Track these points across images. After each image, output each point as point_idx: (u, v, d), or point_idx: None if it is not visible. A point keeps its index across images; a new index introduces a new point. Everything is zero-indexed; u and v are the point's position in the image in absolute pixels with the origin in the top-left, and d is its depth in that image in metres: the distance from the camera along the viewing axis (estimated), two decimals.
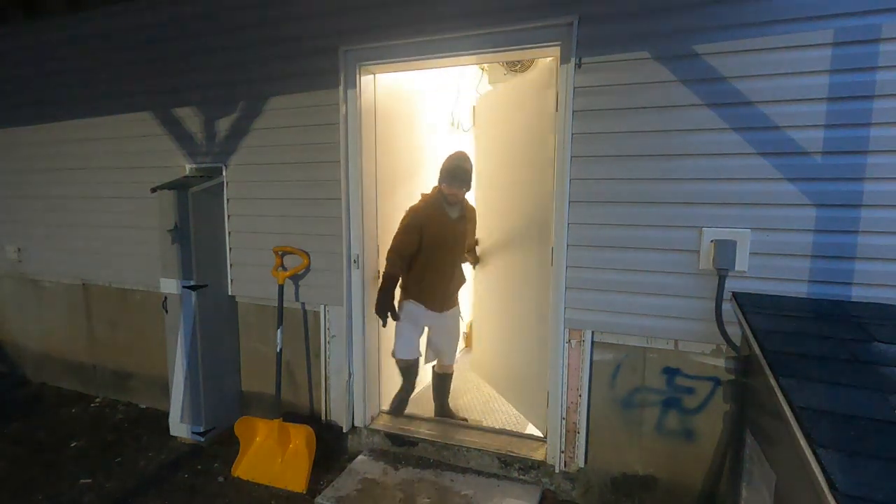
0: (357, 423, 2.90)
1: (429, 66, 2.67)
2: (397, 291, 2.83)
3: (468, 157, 2.78)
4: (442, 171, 2.72)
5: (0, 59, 3.73)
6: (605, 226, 2.27)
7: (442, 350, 2.98)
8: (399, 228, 2.75)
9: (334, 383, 2.94)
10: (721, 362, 2.15)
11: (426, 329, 2.95)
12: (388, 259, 2.71)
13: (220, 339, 3.12)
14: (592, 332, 2.36)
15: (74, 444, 3.11)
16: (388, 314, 2.69)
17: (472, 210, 3.04)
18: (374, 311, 2.72)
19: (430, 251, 2.73)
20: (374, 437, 2.88)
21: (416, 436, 2.79)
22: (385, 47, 2.58)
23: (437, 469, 2.66)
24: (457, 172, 2.69)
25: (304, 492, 2.55)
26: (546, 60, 2.53)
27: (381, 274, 2.76)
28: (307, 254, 2.86)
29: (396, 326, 2.88)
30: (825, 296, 1.96)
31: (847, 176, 1.91)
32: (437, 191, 2.76)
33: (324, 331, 2.92)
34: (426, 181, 3.07)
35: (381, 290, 2.68)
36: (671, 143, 2.12)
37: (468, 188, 2.77)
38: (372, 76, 2.78)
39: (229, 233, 3.11)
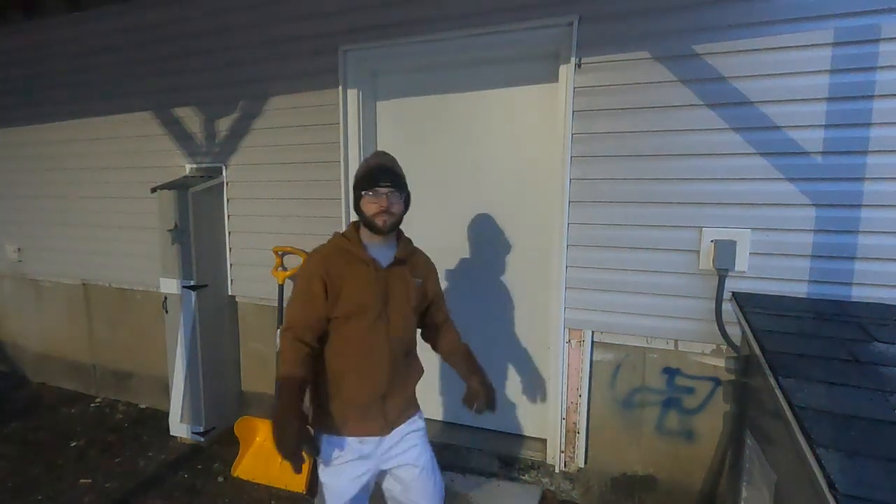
0: None
1: (429, 66, 2.67)
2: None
3: (393, 158, 1.68)
4: (357, 180, 1.61)
5: (0, 58, 3.73)
6: (604, 226, 2.27)
7: None
8: (294, 290, 1.62)
9: None
10: (721, 362, 2.15)
11: (369, 475, 1.61)
12: (281, 349, 1.53)
13: (220, 338, 3.12)
14: (592, 332, 2.36)
15: (74, 444, 3.11)
16: (299, 448, 1.39)
17: (425, 256, 1.78)
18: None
19: (349, 329, 1.55)
20: None
21: None
22: (385, 47, 2.58)
23: None
24: (381, 170, 1.58)
25: (305, 492, 2.55)
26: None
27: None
28: (307, 254, 2.86)
29: (321, 492, 1.62)
30: (825, 296, 1.96)
31: (847, 176, 1.91)
32: (352, 227, 1.67)
33: None
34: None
35: (278, 404, 1.44)
36: (671, 143, 2.13)
37: (404, 203, 1.64)
38: (372, 76, 2.78)
39: (229, 233, 3.11)
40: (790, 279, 2.01)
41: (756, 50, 1.97)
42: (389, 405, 1.62)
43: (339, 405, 1.59)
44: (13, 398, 3.81)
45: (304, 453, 1.42)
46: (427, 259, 1.79)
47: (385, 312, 1.59)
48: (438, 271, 1.87)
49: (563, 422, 2.44)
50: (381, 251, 1.63)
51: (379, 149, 2.81)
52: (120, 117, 3.34)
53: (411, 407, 1.72)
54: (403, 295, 1.63)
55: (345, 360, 1.59)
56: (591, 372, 2.39)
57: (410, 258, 1.70)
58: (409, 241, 1.75)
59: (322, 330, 1.56)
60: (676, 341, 2.23)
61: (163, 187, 2.89)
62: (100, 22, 3.28)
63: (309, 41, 2.72)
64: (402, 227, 1.71)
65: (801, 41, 1.91)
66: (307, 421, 1.48)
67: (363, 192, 1.58)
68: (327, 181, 2.78)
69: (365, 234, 1.63)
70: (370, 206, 1.56)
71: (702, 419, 2.23)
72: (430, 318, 1.81)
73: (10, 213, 3.95)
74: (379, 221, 1.56)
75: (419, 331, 1.83)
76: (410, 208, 1.69)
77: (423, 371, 1.79)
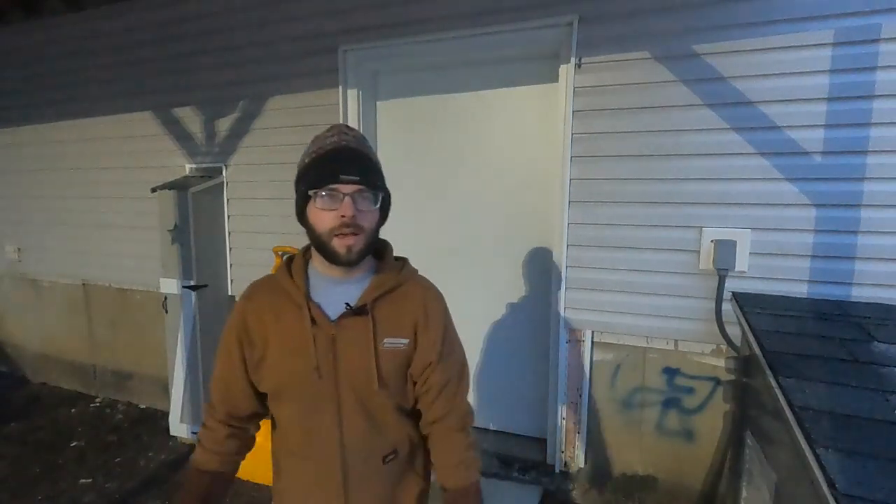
0: None
1: (429, 66, 2.67)
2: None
3: (362, 136, 1.05)
4: (302, 170, 1.03)
5: (0, 59, 3.73)
6: (604, 226, 2.27)
7: None
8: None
9: None
10: (721, 362, 2.15)
11: None
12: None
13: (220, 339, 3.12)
14: (592, 332, 2.36)
15: (74, 444, 3.11)
16: None
17: (421, 293, 1.08)
18: None
19: (282, 413, 1.07)
20: None
21: None
22: (385, 47, 2.58)
23: None
24: (344, 154, 0.97)
25: None
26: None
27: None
28: None
29: None
30: (825, 296, 1.96)
31: (847, 176, 1.91)
32: (305, 249, 1.12)
33: None
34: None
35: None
36: (671, 143, 2.12)
37: (380, 210, 1.02)
38: (373, 76, 2.78)
39: (229, 233, 3.11)
40: (790, 279, 2.01)
41: (756, 50, 1.97)
42: None
43: None
44: (13, 398, 3.81)
45: None
46: (426, 297, 1.07)
47: (334, 394, 1.00)
48: (438, 284, 1.11)
49: (563, 422, 2.44)
50: (340, 290, 1.01)
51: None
52: (120, 117, 3.34)
53: None
54: (363, 366, 0.99)
55: (283, 460, 1.09)
56: (591, 372, 2.39)
57: (387, 300, 1.02)
58: (398, 266, 1.07)
59: (251, 404, 1.07)
60: (676, 341, 2.23)
61: (163, 187, 2.89)
62: (100, 22, 3.28)
63: (309, 41, 2.72)
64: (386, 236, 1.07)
65: (801, 41, 1.91)
66: None
67: (312, 192, 0.95)
68: None
69: (318, 260, 1.03)
70: (323, 217, 0.95)
71: (702, 419, 2.23)
72: (421, 406, 1.09)
73: (10, 213, 3.94)
74: (339, 246, 0.95)
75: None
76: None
77: (426, 488, 1.15)
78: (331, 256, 0.97)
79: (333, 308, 1.01)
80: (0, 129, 3.86)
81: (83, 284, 3.73)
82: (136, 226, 3.36)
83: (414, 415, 1.12)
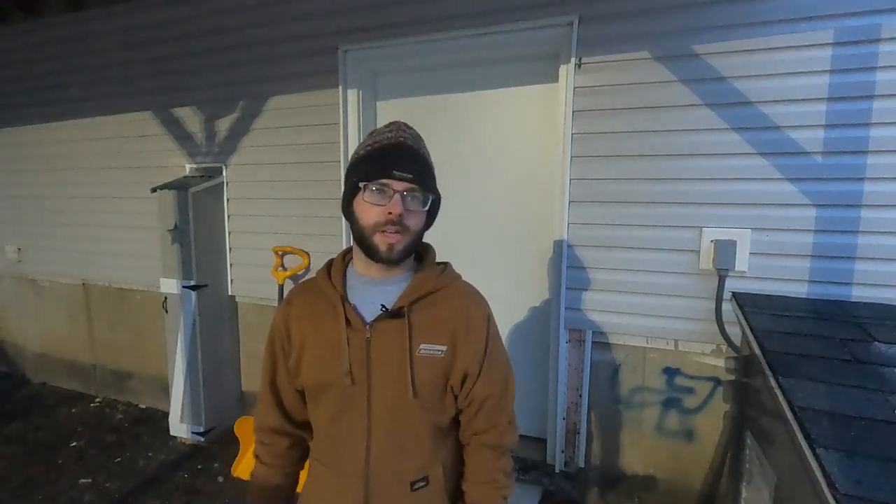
0: None
1: (429, 66, 2.67)
2: None
3: (418, 135, 1.02)
4: (355, 162, 0.97)
5: (0, 59, 3.73)
6: (604, 226, 2.27)
7: None
8: None
9: None
10: (721, 362, 2.15)
11: None
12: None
13: (220, 339, 3.12)
14: (592, 332, 2.36)
15: (74, 444, 3.11)
16: None
17: (464, 299, 1.04)
18: None
19: (316, 415, 1.05)
20: None
21: None
22: (385, 47, 2.58)
23: None
24: (399, 150, 0.94)
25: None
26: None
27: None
28: (307, 254, 2.86)
29: None
30: (825, 296, 1.96)
31: (847, 176, 1.91)
32: (347, 250, 1.10)
33: None
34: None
35: None
36: (671, 143, 2.12)
37: (428, 213, 1.00)
38: (372, 76, 2.78)
39: (229, 233, 3.11)
40: (790, 279, 2.01)
41: (756, 50, 1.97)
42: None
43: None
44: (13, 398, 3.81)
45: None
46: (468, 303, 1.03)
47: (365, 402, 0.96)
48: None
49: (563, 422, 2.44)
50: (377, 291, 0.99)
51: None
52: (120, 117, 3.34)
53: None
54: (397, 372, 0.95)
55: (312, 465, 1.07)
56: (591, 372, 2.39)
57: (425, 304, 0.99)
58: (440, 270, 1.04)
59: (302, 408, 1.07)
60: (676, 341, 2.23)
61: (163, 187, 2.89)
62: (100, 22, 3.28)
63: (309, 41, 2.72)
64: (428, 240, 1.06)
65: (801, 41, 1.91)
66: None
67: (362, 184, 0.92)
68: (327, 181, 2.78)
69: (359, 258, 1.01)
70: (370, 210, 0.92)
71: (702, 419, 2.23)
72: (462, 419, 1.06)
73: (10, 213, 3.94)
74: (381, 243, 0.92)
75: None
76: None
77: None
78: (371, 251, 0.94)
79: (369, 310, 0.98)
80: (1, 128, 3.86)
81: (83, 284, 3.73)
82: (136, 226, 3.36)
83: (451, 436, 1.07)
